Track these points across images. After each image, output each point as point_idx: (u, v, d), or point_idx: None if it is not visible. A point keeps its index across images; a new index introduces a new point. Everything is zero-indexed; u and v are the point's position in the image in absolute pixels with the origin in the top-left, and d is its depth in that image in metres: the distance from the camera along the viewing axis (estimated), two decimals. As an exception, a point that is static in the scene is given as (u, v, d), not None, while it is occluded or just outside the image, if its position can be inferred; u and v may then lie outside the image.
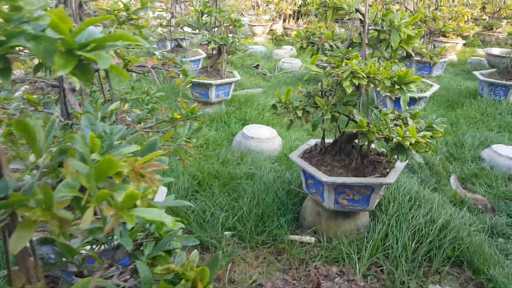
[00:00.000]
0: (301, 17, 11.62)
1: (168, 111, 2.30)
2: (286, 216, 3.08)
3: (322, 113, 2.59)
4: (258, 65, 7.81)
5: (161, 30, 6.26)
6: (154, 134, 2.07)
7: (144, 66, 2.13)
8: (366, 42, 2.66)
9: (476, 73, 5.89)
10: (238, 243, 2.85)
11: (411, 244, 2.73)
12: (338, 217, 2.97)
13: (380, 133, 2.50)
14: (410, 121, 2.65)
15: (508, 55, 5.87)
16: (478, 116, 5.17)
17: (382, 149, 2.84)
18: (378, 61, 2.53)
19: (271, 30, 11.50)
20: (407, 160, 2.90)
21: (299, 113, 2.57)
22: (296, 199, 3.29)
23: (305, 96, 2.82)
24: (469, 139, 4.41)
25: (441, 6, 7.03)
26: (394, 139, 2.42)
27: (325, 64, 2.69)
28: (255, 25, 10.92)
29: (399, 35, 2.51)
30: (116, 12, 1.99)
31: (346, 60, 2.44)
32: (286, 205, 3.19)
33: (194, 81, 4.90)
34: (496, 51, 7.60)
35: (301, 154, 3.07)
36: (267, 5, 11.40)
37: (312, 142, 3.23)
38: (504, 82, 5.34)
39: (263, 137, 4.12)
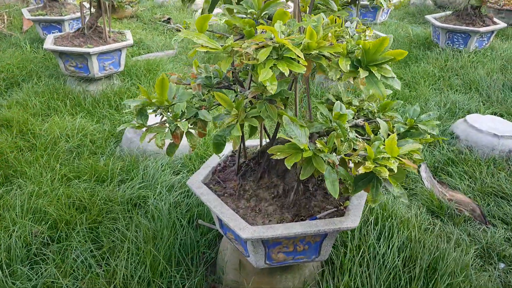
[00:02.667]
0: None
1: None
2: (197, 270, 1.96)
3: (229, 123, 1.41)
4: (169, 18, 6.30)
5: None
6: None
7: None
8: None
9: (429, 17, 4.88)
10: None
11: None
12: (274, 272, 1.89)
13: (334, 155, 1.38)
14: (381, 122, 1.54)
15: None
16: (437, 72, 4.22)
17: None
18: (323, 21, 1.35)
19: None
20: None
21: (184, 127, 1.36)
22: (211, 236, 2.17)
23: (203, 87, 1.61)
24: (433, 107, 3.45)
25: None
26: (360, 166, 1.31)
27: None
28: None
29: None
30: None
31: (263, 25, 1.25)
32: (197, 248, 2.06)
33: (64, 50, 3.45)
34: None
35: (209, 176, 1.90)
36: None
37: (226, 151, 2.06)
38: (465, 27, 4.38)
39: (163, 130, 2.86)
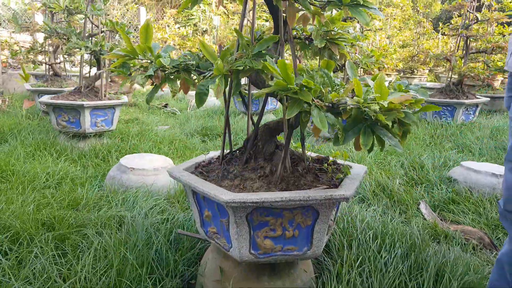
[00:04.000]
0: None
1: None
2: (172, 282, 1.69)
3: (212, 72, 1.35)
4: (167, 104, 6.56)
5: (32, 55, 4.84)
6: None
7: None
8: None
9: (415, 95, 5.11)
10: None
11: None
12: (260, 276, 1.64)
13: (322, 98, 1.30)
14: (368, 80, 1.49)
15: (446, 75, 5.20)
16: (427, 138, 4.25)
17: (327, 133, 1.63)
18: None
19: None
20: (365, 170, 1.72)
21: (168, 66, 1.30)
22: (191, 255, 1.92)
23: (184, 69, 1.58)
24: (428, 160, 3.39)
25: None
26: (348, 105, 1.22)
27: None
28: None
29: None
30: None
31: None
32: (175, 267, 1.80)
33: (58, 103, 3.49)
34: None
35: (191, 168, 1.76)
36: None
37: (212, 154, 1.95)
38: (449, 100, 4.55)
39: (149, 167, 2.75)
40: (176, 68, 1.41)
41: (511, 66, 1.43)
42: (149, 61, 1.41)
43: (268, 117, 5.46)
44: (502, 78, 8.54)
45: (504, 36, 7.31)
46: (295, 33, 1.75)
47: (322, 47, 1.62)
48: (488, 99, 4.96)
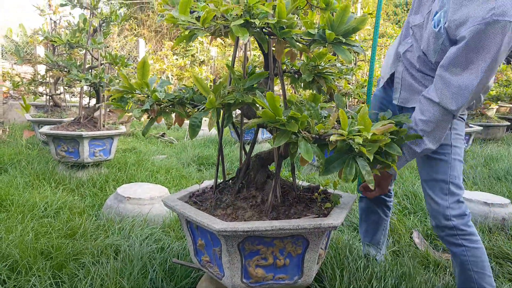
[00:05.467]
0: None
1: None
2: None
3: (205, 105, 1.42)
4: (164, 133, 6.64)
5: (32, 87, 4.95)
6: None
7: None
8: None
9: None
10: None
11: None
12: (252, 305, 1.65)
13: (309, 130, 1.37)
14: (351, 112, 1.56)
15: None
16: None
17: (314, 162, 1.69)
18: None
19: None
20: (354, 198, 1.77)
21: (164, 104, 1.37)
22: (186, 284, 1.94)
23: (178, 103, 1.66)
24: (421, 189, 3.43)
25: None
26: (334, 136, 1.29)
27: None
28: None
29: None
30: None
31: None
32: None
33: (58, 134, 3.56)
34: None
35: (186, 198, 1.81)
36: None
37: (206, 183, 2.00)
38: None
39: (145, 196, 2.79)
40: (171, 102, 1.48)
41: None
42: (145, 95, 1.48)
43: (264, 146, 5.53)
44: (497, 107, 8.70)
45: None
46: (284, 67, 1.84)
47: (311, 81, 1.70)
48: (481, 128, 5.05)
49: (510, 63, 8.67)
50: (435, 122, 1.51)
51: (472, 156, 4.68)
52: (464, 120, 1.75)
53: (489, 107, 7.31)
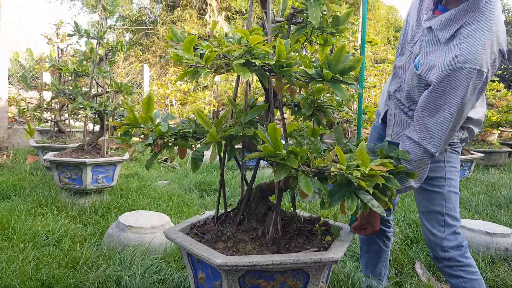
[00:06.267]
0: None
1: None
2: None
3: (206, 139, 1.45)
4: (166, 159, 6.68)
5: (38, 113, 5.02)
6: None
7: None
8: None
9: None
10: None
11: None
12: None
13: (308, 164, 1.39)
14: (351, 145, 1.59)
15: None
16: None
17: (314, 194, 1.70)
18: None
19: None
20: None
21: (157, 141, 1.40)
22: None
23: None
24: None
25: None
26: (333, 171, 1.31)
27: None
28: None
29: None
30: None
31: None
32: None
33: (62, 161, 3.60)
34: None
35: (187, 229, 1.82)
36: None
37: (208, 214, 2.01)
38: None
39: (146, 225, 2.80)
40: (175, 136, 1.51)
41: None
42: (149, 129, 1.51)
43: (266, 172, 5.54)
44: (499, 132, 8.72)
45: (499, 91, 7.56)
46: (285, 100, 1.88)
47: (310, 114, 1.73)
48: (482, 154, 5.06)
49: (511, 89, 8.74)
50: (417, 161, 1.54)
51: (474, 183, 4.68)
52: (458, 152, 1.78)
53: (492, 132, 7.34)
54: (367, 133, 4.61)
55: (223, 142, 1.52)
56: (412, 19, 1.74)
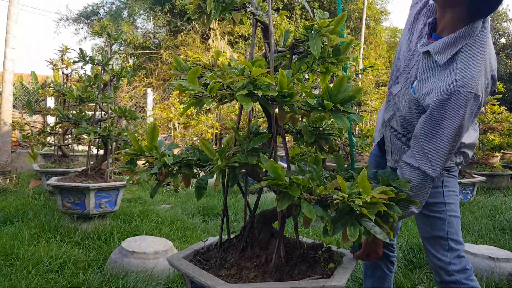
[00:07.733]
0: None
1: None
2: None
3: (211, 166, 1.49)
4: (169, 182, 6.67)
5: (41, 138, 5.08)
6: None
7: None
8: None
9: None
10: None
11: None
12: None
13: (310, 191, 1.41)
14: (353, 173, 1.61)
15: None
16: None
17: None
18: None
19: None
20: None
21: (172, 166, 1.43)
22: None
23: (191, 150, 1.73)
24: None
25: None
26: (335, 199, 1.33)
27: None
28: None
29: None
30: None
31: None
32: None
33: (65, 185, 3.62)
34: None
35: (190, 256, 1.83)
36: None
37: (211, 240, 2.02)
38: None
39: (149, 251, 2.80)
40: (179, 164, 1.54)
41: None
42: (154, 157, 1.55)
43: (269, 196, 5.54)
44: (501, 154, 8.71)
45: (500, 114, 7.61)
46: (287, 127, 1.91)
47: (312, 141, 1.76)
48: (485, 178, 5.07)
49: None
50: (418, 186, 1.56)
51: (477, 206, 4.67)
52: (456, 176, 1.80)
53: (495, 155, 7.34)
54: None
55: (227, 170, 1.55)
56: (403, 48, 1.78)
